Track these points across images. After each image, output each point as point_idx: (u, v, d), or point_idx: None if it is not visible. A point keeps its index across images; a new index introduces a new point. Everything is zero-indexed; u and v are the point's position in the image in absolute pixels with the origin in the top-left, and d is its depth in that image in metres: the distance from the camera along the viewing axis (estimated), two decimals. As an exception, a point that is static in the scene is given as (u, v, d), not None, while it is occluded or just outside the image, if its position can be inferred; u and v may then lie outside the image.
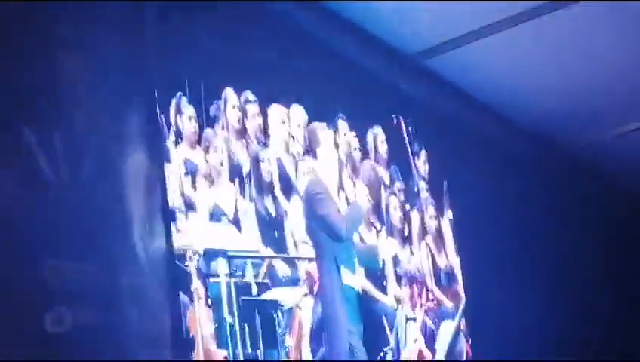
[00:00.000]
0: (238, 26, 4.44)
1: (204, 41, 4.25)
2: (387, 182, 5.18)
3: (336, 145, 4.71)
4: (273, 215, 4.48)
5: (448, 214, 5.58)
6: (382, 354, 4.79)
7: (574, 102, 6.18)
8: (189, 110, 4.19)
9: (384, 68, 5.23)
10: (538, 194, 6.69)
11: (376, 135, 5.14)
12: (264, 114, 4.54)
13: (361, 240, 4.88)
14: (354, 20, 4.94)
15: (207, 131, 4.27)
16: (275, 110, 4.60)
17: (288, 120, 4.66)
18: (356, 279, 4.60)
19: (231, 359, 3.97)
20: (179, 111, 4.16)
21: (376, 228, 5.01)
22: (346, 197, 4.77)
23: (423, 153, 5.44)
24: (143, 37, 3.87)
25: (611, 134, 6.86)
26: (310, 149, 4.64)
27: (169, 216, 3.90)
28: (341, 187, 4.68)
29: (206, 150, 4.25)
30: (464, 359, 5.30)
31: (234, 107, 4.41)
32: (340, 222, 4.46)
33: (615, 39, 5.47)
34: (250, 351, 4.07)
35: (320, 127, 4.63)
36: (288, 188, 4.60)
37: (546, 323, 6.24)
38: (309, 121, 4.73)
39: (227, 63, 4.37)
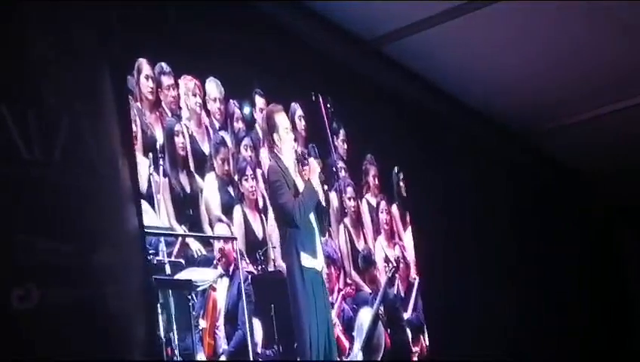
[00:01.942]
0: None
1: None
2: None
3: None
4: (188, 191, 4.34)
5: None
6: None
7: (530, 88, 6.31)
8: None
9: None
10: (491, 179, 6.82)
11: (294, 111, 5.02)
12: (179, 86, 4.40)
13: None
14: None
15: (121, 102, 4.12)
16: (189, 83, 4.46)
17: (202, 93, 4.53)
18: (318, 262, 4.53)
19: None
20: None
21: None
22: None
23: (342, 132, 5.36)
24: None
25: (566, 122, 7.03)
26: (268, 133, 4.56)
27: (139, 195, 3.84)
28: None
29: (119, 122, 4.09)
30: (382, 349, 5.19)
31: (147, 78, 4.27)
32: (295, 209, 4.36)
33: (571, 30, 5.58)
34: (163, 333, 3.90)
35: (276, 111, 4.50)
36: (203, 165, 4.45)
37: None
38: (226, 95, 4.61)
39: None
